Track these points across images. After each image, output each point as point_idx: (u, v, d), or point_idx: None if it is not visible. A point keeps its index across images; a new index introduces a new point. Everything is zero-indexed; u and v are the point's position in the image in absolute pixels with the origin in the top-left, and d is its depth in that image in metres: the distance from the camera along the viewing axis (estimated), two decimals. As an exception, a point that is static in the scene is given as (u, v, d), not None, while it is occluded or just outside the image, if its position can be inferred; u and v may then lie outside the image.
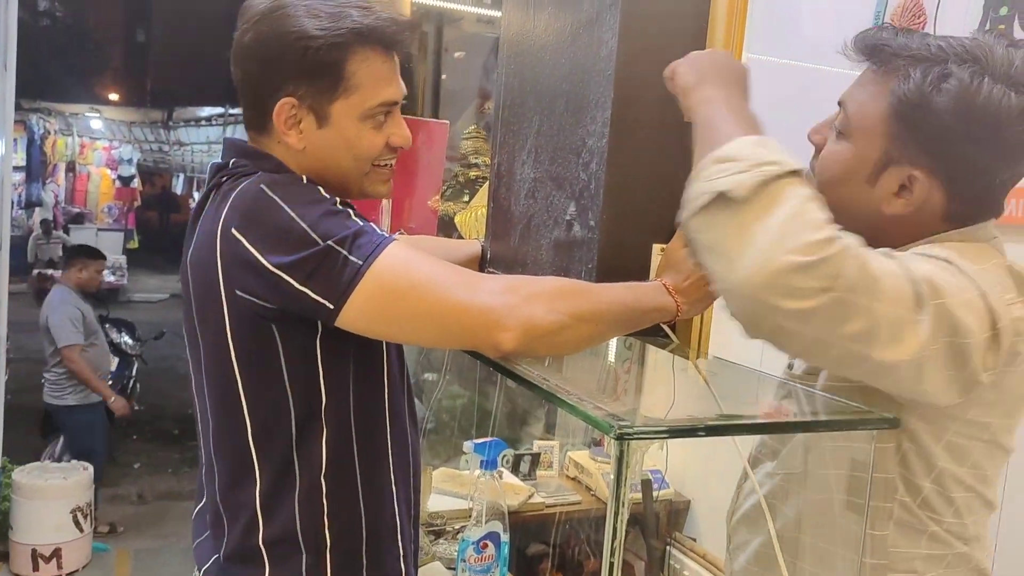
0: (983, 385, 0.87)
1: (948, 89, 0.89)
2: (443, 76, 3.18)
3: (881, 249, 0.87)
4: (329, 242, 0.96)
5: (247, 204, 1.01)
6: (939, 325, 0.80)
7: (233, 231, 1.00)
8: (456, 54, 3.25)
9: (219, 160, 1.13)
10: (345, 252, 0.96)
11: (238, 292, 1.00)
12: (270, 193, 1.00)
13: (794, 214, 0.75)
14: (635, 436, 0.72)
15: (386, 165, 1.15)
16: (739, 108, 0.91)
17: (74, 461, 3.98)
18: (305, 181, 1.07)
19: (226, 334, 1.04)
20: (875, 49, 0.96)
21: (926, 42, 0.93)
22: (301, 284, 0.96)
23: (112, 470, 4.73)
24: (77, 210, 13.03)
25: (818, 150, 1.03)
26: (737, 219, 0.77)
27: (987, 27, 1.51)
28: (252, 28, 1.07)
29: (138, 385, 5.21)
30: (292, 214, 0.98)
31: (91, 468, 3.89)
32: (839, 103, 1.00)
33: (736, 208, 0.77)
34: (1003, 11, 1.48)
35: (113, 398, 4.27)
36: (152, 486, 4.90)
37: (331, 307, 0.96)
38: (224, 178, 1.09)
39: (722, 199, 0.78)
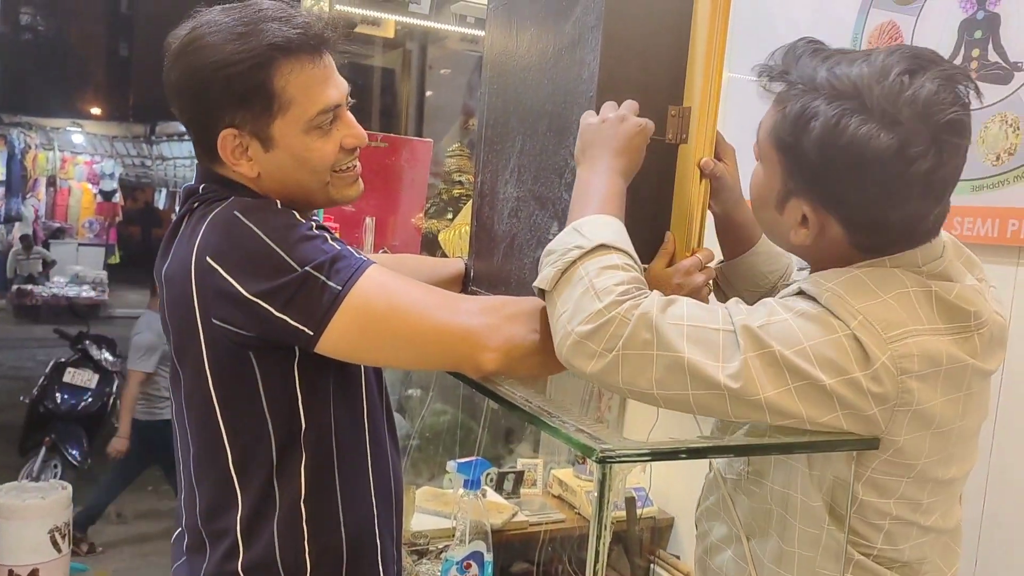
0: (878, 423, 0.88)
1: (813, 129, 0.90)
2: (428, 93, 3.19)
3: (732, 301, 0.94)
4: (307, 268, 0.95)
5: (222, 231, 1.00)
6: (766, 371, 0.86)
7: (208, 259, 0.98)
8: (441, 71, 3.26)
9: (191, 184, 1.12)
10: (323, 277, 0.95)
11: (215, 321, 0.99)
12: (244, 219, 0.99)
13: (582, 291, 0.89)
14: (617, 459, 0.72)
15: (348, 168, 1.11)
16: (595, 194, 0.98)
17: (52, 480, 3.92)
18: (279, 206, 1.05)
19: (204, 362, 1.03)
20: (774, 68, 0.98)
21: (816, 71, 0.92)
22: (280, 311, 0.95)
23: (90, 488, 4.66)
24: (57, 225, 12.91)
25: None
26: (549, 306, 0.94)
27: (962, 50, 1.53)
28: (174, 65, 1.04)
29: (119, 402, 5.15)
30: (268, 240, 0.97)
31: (69, 487, 3.83)
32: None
33: (548, 297, 0.94)
34: (977, 35, 1.51)
35: (117, 437, 4.25)
36: (132, 505, 4.83)
37: (310, 333, 0.96)
38: (196, 203, 1.07)
39: (540, 291, 0.95)
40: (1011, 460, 1.45)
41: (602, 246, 0.92)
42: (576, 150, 1.04)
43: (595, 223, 0.95)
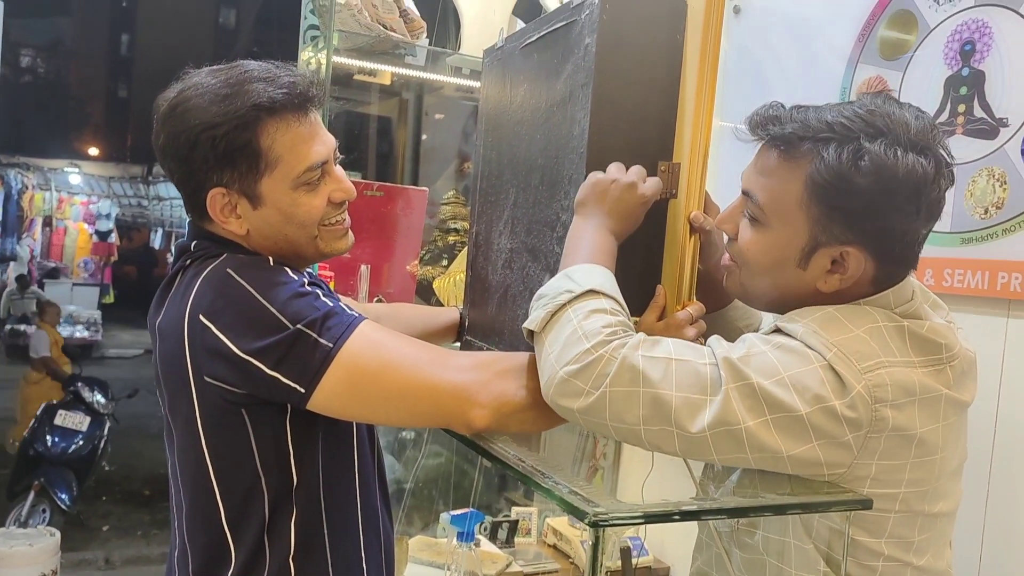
0: (852, 450, 0.90)
1: (866, 167, 0.92)
2: (423, 137, 3.22)
3: (714, 338, 0.96)
4: (299, 325, 0.96)
5: (215, 289, 1.00)
6: (745, 402, 0.87)
7: (201, 317, 0.99)
8: (436, 116, 3.30)
9: (183, 241, 1.13)
10: (315, 335, 0.96)
11: (207, 379, 0.99)
12: (237, 277, 1.00)
13: (569, 333, 0.91)
14: (611, 523, 0.72)
15: (336, 222, 1.12)
16: (586, 246, 1.01)
17: (41, 527, 3.87)
18: (272, 263, 1.06)
19: (196, 420, 1.02)
20: (770, 129, 1.00)
21: (824, 119, 0.96)
22: (272, 369, 0.95)
23: (79, 533, 4.60)
24: (52, 264, 12.91)
25: (731, 238, 1.07)
26: (538, 348, 0.96)
27: (948, 105, 1.56)
28: (162, 130, 1.06)
29: (109, 445, 5.10)
30: (261, 298, 0.97)
31: (58, 534, 3.78)
32: (744, 191, 1.04)
33: (536, 339, 0.97)
34: (963, 91, 1.54)
35: None
36: (120, 550, 4.76)
37: (302, 391, 0.96)
38: (189, 260, 1.08)
39: (530, 332, 0.97)
40: (1007, 507, 1.44)
41: (591, 291, 0.95)
42: (577, 197, 1.06)
43: (586, 271, 0.97)
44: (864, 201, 0.94)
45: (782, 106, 1.02)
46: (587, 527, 0.71)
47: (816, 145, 0.95)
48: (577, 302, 0.94)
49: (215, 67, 1.08)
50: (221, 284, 1.00)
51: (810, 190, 0.96)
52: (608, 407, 0.88)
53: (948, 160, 0.96)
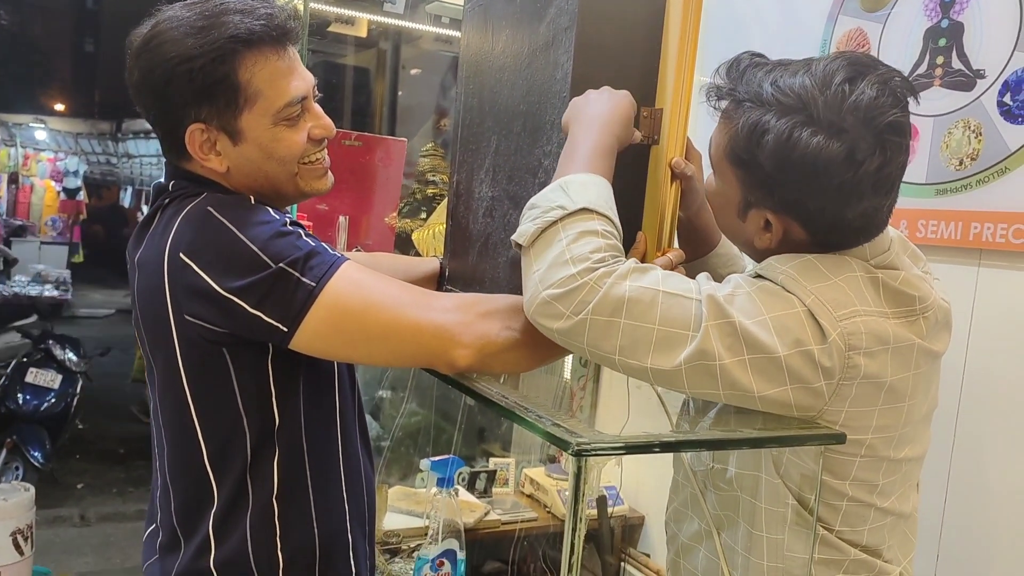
0: (823, 395, 0.92)
1: (766, 144, 0.94)
2: (400, 93, 3.18)
3: (702, 275, 0.97)
4: (281, 264, 0.95)
5: (195, 227, 0.99)
6: (724, 340, 0.89)
7: (181, 255, 0.98)
8: (413, 71, 3.26)
9: (161, 181, 1.11)
10: (297, 274, 0.95)
11: (187, 317, 0.99)
12: (218, 215, 0.99)
13: (557, 254, 0.90)
14: (593, 452, 0.73)
15: (316, 160, 1.11)
16: (584, 150, 0.98)
17: (15, 482, 3.84)
18: (253, 201, 1.05)
19: (176, 359, 1.02)
20: (721, 88, 1.02)
21: (760, 84, 0.96)
22: (254, 308, 0.95)
23: (53, 491, 4.58)
24: (19, 223, 12.65)
25: None
26: (525, 262, 0.95)
27: (927, 57, 1.57)
28: (136, 64, 1.04)
29: (83, 404, 5.07)
30: (242, 236, 0.96)
31: (32, 489, 3.76)
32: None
33: (524, 253, 0.95)
34: (941, 42, 1.55)
35: None
36: (96, 507, 4.76)
37: (285, 330, 0.96)
38: (168, 200, 1.07)
39: (517, 245, 0.96)
40: (972, 456, 1.49)
41: (584, 210, 0.93)
42: (564, 117, 1.04)
43: (582, 183, 0.95)
44: (765, 176, 0.96)
45: (756, 57, 1.03)
46: (570, 457, 0.72)
47: (742, 110, 0.97)
48: (568, 220, 0.92)
49: (190, 0, 1.06)
50: (201, 222, 0.99)
51: (729, 153, 1.00)
52: (587, 333, 0.89)
53: (888, 139, 0.93)
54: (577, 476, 0.73)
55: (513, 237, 0.97)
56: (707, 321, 0.89)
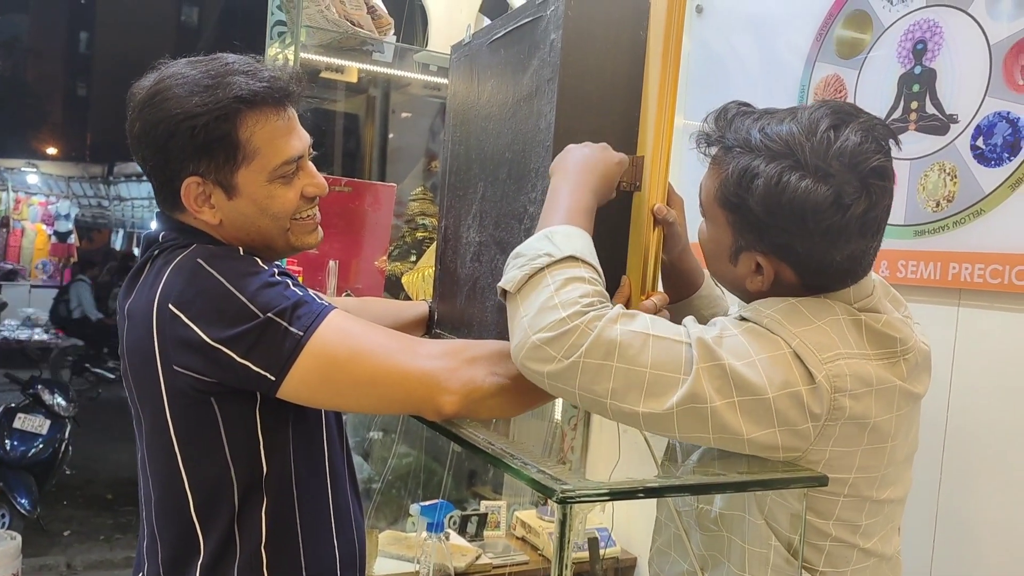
0: (809, 437, 0.93)
1: (756, 188, 0.96)
2: (390, 136, 3.22)
3: (689, 319, 0.98)
4: (269, 314, 0.96)
5: (185, 278, 1.01)
6: (714, 382, 0.89)
7: (171, 307, 0.99)
8: (403, 114, 3.30)
9: (152, 232, 1.13)
10: (285, 323, 0.97)
11: (176, 368, 1.00)
12: (207, 266, 1.00)
13: (545, 300, 0.91)
14: (578, 499, 0.74)
15: (308, 216, 1.14)
16: (570, 199, 1.00)
17: (1, 531, 3.79)
18: (242, 252, 1.07)
19: (164, 409, 1.03)
20: (711, 135, 1.05)
21: (749, 131, 0.99)
22: (242, 357, 0.96)
23: (40, 538, 4.51)
24: (10, 266, 12.62)
25: None
26: (511, 308, 0.96)
27: (901, 102, 1.61)
28: (138, 117, 1.06)
29: (71, 448, 5.02)
30: (231, 287, 0.98)
31: (19, 538, 3.71)
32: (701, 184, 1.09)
33: (510, 299, 0.96)
34: (915, 88, 1.59)
35: None
36: (83, 555, 4.68)
37: (272, 379, 0.97)
38: (157, 250, 1.08)
39: (504, 292, 0.96)
40: (958, 493, 1.49)
41: (571, 257, 0.94)
42: (552, 165, 1.06)
43: (567, 233, 0.97)
44: (756, 219, 0.98)
45: (743, 106, 1.06)
46: (555, 504, 0.73)
47: (731, 156, 1.00)
48: (555, 267, 0.93)
49: (194, 58, 1.09)
50: (191, 273, 1.00)
51: (721, 200, 1.02)
52: (579, 376, 0.89)
53: (873, 183, 0.96)
54: (563, 523, 0.73)
55: (500, 284, 0.98)
56: (698, 364, 0.90)
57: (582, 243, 0.97)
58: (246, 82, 1.04)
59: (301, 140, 1.10)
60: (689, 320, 0.99)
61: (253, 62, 1.08)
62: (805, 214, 0.94)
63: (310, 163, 1.14)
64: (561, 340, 0.89)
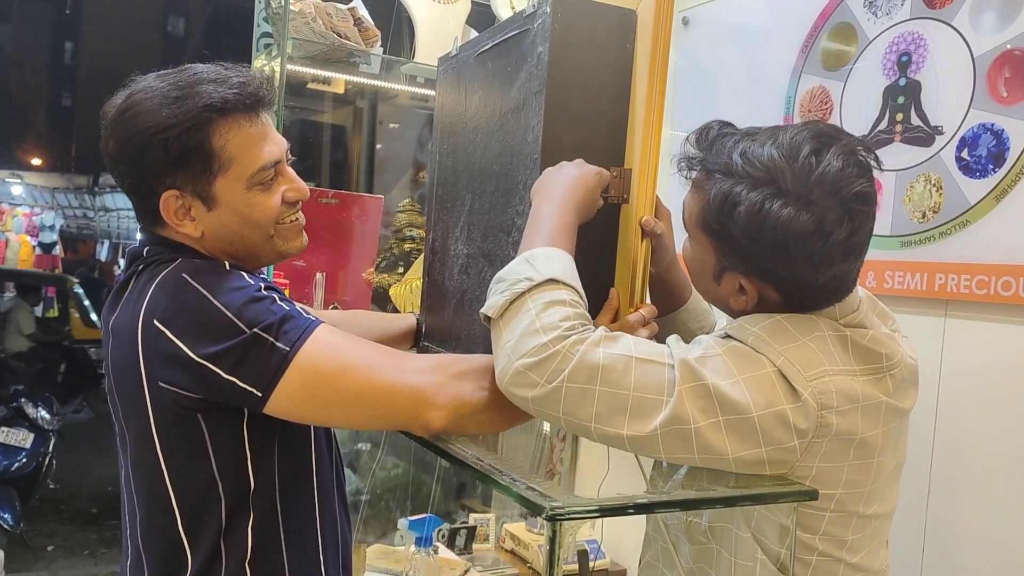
0: (796, 453, 0.93)
1: (738, 215, 0.96)
2: (378, 147, 3.22)
3: (672, 338, 0.99)
4: (255, 329, 0.95)
5: (170, 293, 1.00)
6: (698, 403, 0.89)
7: (156, 323, 0.98)
8: (391, 125, 3.30)
9: (136, 247, 1.12)
10: (272, 339, 0.96)
11: (161, 384, 0.98)
12: (192, 282, 0.99)
13: (527, 324, 0.92)
14: (567, 516, 0.74)
15: (291, 221, 1.13)
16: (547, 225, 1.00)
17: (-18, 546, 3.74)
18: (228, 267, 1.05)
19: (150, 426, 1.01)
20: (692, 159, 1.05)
21: (731, 155, 0.99)
22: (228, 373, 0.95)
23: (23, 554, 4.46)
24: (-7, 278, 12.51)
25: None
26: (495, 334, 0.96)
27: (887, 114, 1.62)
28: (112, 134, 1.05)
29: (55, 462, 4.96)
30: (216, 302, 0.97)
31: (1, 553, 3.67)
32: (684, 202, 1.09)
33: (493, 325, 0.96)
34: (900, 100, 1.60)
35: None
36: (67, 570, 4.63)
37: (259, 395, 0.96)
38: (142, 265, 1.07)
39: (486, 318, 0.97)
40: (947, 504, 1.49)
41: (551, 280, 0.94)
42: (534, 187, 1.07)
43: (547, 256, 0.97)
44: (738, 245, 0.98)
45: (724, 126, 1.05)
46: (545, 521, 0.72)
47: (713, 181, 1.00)
48: (536, 291, 0.94)
49: (163, 72, 1.07)
50: (176, 289, 0.99)
51: (701, 223, 1.03)
52: (562, 401, 0.89)
53: (856, 208, 0.95)
54: (552, 540, 0.73)
55: (482, 311, 0.98)
56: (680, 385, 0.90)
57: (562, 265, 0.97)
58: (215, 90, 1.03)
59: (277, 145, 1.09)
60: (672, 340, 0.99)
61: (222, 70, 1.07)
62: (788, 241, 0.94)
63: (289, 168, 1.12)
64: (543, 365, 0.89)
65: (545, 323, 0.91)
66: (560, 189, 1.03)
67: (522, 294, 0.94)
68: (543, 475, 2.30)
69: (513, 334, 0.92)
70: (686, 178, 1.08)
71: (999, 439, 1.41)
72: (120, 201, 14.78)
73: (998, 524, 1.41)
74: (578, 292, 0.97)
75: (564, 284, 0.95)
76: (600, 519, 2.19)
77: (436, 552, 1.75)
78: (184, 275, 1.00)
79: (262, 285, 1.02)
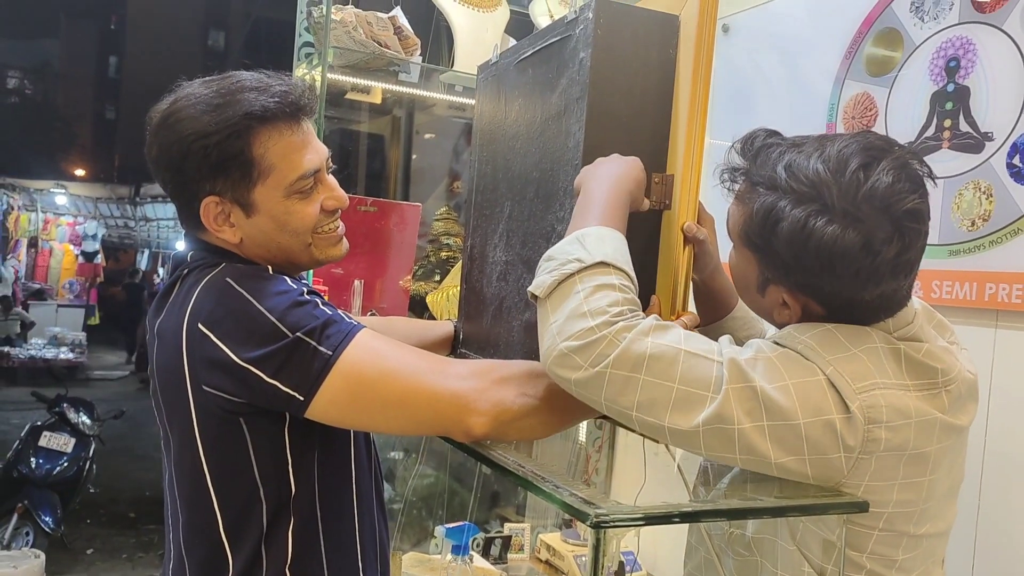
0: (842, 469, 0.90)
1: (781, 231, 0.93)
2: (414, 157, 3.24)
3: (725, 338, 0.96)
4: (298, 334, 0.96)
5: (214, 298, 1.00)
6: (744, 404, 0.87)
7: (200, 327, 0.99)
8: (427, 136, 3.33)
9: (180, 252, 1.13)
10: (314, 343, 0.96)
11: (205, 388, 0.99)
12: (236, 287, 1.00)
13: (574, 307, 0.90)
14: (612, 524, 0.72)
15: (330, 230, 1.13)
16: (599, 204, 0.98)
17: (25, 548, 3.81)
18: (271, 271, 1.06)
19: (193, 429, 1.02)
20: (735, 170, 1.03)
21: (775, 168, 0.96)
22: (271, 377, 0.96)
23: (63, 556, 4.53)
24: (37, 286, 12.82)
25: None
26: (541, 313, 0.95)
27: (934, 120, 1.59)
28: (155, 141, 1.06)
29: (95, 467, 5.05)
30: (260, 307, 0.97)
31: (42, 556, 3.73)
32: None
33: (540, 304, 0.95)
34: (948, 106, 1.57)
35: None
36: (105, 573, 4.70)
37: (301, 399, 0.96)
38: (187, 270, 1.08)
39: (534, 296, 0.95)
40: (998, 522, 1.45)
41: (602, 263, 0.92)
42: (576, 180, 1.05)
43: (598, 236, 0.95)
44: (782, 261, 0.96)
45: (770, 136, 1.03)
46: (588, 528, 0.71)
47: (756, 194, 0.98)
48: (585, 273, 0.92)
49: (207, 78, 1.09)
50: (220, 293, 1.00)
51: (743, 236, 1.01)
52: (605, 387, 0.88)
53: (907, 226, 0.92)
54: (596, 547, 0.72)
55: (529, 288, 0.96)
56: (728, 384, 0.88)
57: (613, 246, 0.95)
58: (256, 98, 1.04)
59: (317, 154, 1.09)
60: (724, 339, 0.97)
61: (264, 78, 1.07)
62: (833, 259, 0.92)
63: (329, 176, 1.13)
64: (588, 349, 0.88)
65: (593, 307, 0.89)
66: (611, 173, 1.01)
67: (571, 275, 0.92)
68: (579, 483, 2.28)
69: (560, 315, 0.91)
70: (729, 190, 1.06)
71: (1053, 454, 1.37)
72: (160, 211, 15.08)
73: (1052, 542, 1.37)
74: (629, 276, 0.95)
75: (615, 267, 0.93)
76: (639, 528, 2.17)
77: (472, 561, 1.74)
78: (228, 280, 1.01)
79: (304, 290, 1.02)
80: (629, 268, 0.96)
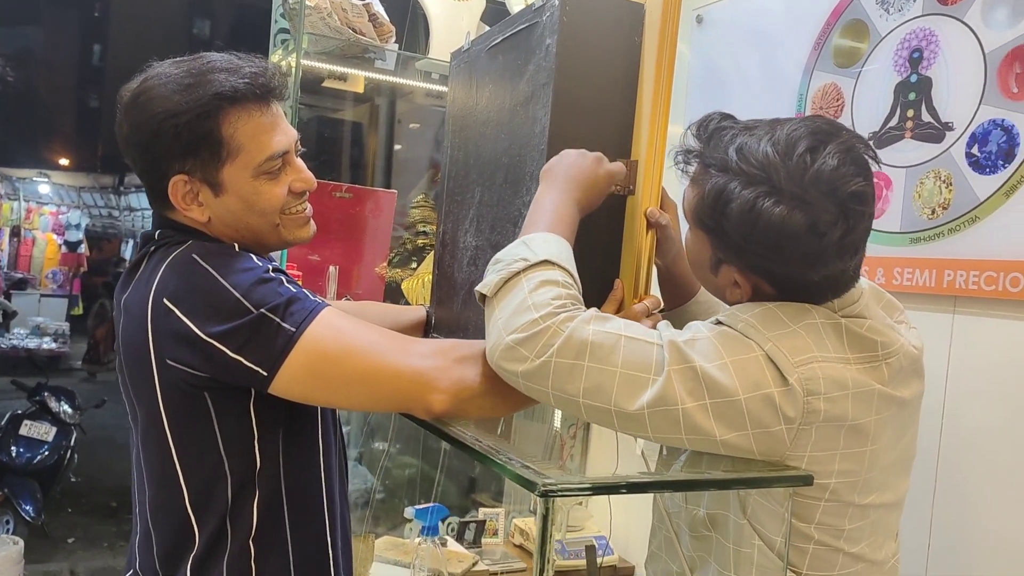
0: (784, 441, 0.93)
1: (731, 212, 0.96)
2: (397, 147, 3.24)
3: (662, 323, 1.01)
4: (262, 310, 0.97)
5: (180, 273, 1.02)
6: (686, 384, 0.90)
7: (165, 301, 1.00)
8: (410, 125, 3.32)
9: (148, 230, 1.14)
10: (278, 319, 0.97)
11: (170, 362, 1.00)
12: (202, 263, 1.01)
13: (519, 302, 0.93)
14: (559, 493, 0.75)
15: (297, 211, 1.14)
16: (552, 210, 1.02)
17: (4, 536, 3.81)
18: (237, 249, 1.08)
19: (159, 404, 1.03)
20: (689, 152, 1.05)
21: (727, 150, 0.99)
22: (235, 352, 0.97)
23: (43, 545, 4.52)
24: (20, 275, 12.71)
25: None
26: (488, 311, 0.98)
27: (898, 110, 1.62)
28: (125, 119, 1.07)
29: (76, 456, 5.03)
30: (225, 283, 0.99)
31: (21, 543, 3.72)
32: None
33: (488, 303, 0.99)
34: (911, 96, 1.60)
35: None
36: (86, 562, 4.69)
37: (264, 375, 0.98)
38: (153, 247, 1.09)
39: (482, 296, 0.99)
40: (954, 501, 1.49)
41: (546, 262, 0.96)
42: (544, 168, 1.08)
43: (544, 240, 0.99)
44: (732, 241, 0.99)
45: (724, 119, 1.06)
46: (537, 498, 0.74)
47: (708, 175, 1.00)
48: (531, 271, 0.96)
49: (178, 59, 1.10)
50: (185, 269, 1.01)
51: (696, 217, 1.03)
52: (551, 376, 0.91)
53: (851, 208, 0.95)
54: (544, 517, 0.74)
55: (477, 288, 1.00)
56: (669, 366, 0.90)
57: (558, 248, 0.98)
58: (227, 79, 1.05)
59: (286, 135, 1.11)
60: (663, 324, 1.00)
61: (235, 59, 1.09)
62: (780, 240, 0.94)
63: (297, 158, 1.14)
64: (533, 340, 0.91)
65: (537, 300, 0.93)
66: (567, 179, 1.04)
67: (517, 273, 0.96)
68: (554, 468, 2.30)
69: (505, 311, 0.94)
70: (683, 172, 1.08)
71: (1006, 435, 1.41)
72: (144, 201, 14.90)
73: (1004, 519, 1.41)
74: (571, 275, 0.98)
75: (558, 266, 0.97)
76: (608, 513, 2.20)
77: (444, 544, 1.77)
78: (194, 256, 1.02)
79: (270, 267, 1.04)
80: (573, 268, 0.99)
